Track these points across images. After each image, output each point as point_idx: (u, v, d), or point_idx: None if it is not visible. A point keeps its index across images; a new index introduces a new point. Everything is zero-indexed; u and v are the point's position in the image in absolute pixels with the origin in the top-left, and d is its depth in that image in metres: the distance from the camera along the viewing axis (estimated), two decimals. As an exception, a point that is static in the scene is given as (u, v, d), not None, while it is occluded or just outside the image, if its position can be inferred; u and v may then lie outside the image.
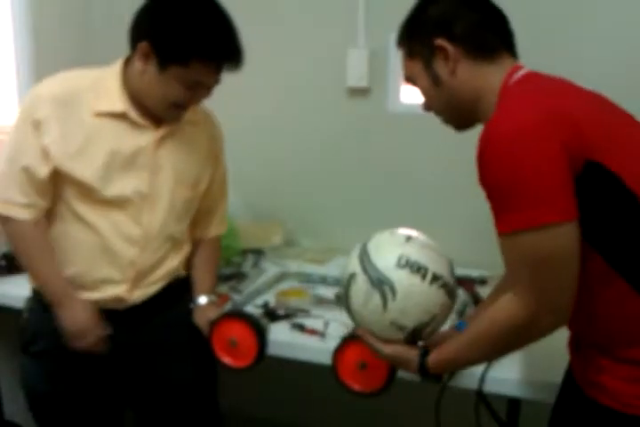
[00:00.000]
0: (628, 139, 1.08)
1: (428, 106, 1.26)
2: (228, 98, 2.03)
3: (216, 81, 1.43)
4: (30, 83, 2.14)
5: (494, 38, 1.18)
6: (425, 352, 1.21)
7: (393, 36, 2.12)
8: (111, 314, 1.51)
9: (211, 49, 1.35)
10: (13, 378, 2.13)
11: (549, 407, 1.28)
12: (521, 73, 1.14)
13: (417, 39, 1.20)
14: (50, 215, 1.48)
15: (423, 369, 1.21)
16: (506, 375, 1.42)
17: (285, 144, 2.33)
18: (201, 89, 1.41)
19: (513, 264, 1.06)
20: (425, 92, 1.23)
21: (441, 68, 1.17)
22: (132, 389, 1.63)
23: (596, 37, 1.89)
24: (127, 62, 1.44)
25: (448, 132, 2.08)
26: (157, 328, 1.57)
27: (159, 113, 1.44)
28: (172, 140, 1.49)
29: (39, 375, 1.54)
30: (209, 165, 1.60)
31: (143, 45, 1.35)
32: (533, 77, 1.14)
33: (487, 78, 1.15)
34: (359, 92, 2.19)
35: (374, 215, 2.28)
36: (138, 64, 1.38)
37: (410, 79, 1.25)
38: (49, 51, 2.23)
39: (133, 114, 1.43)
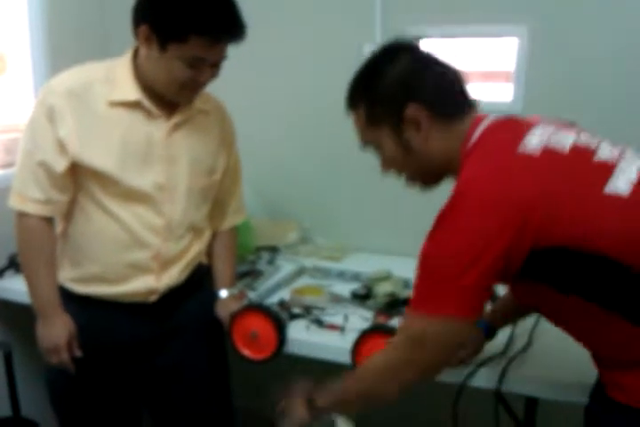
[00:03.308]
0: (591, 198, 1.00)
1: (389, 168, 1.22)
2: (244, 96, 2.04)
3: (220, 57, 1.41)
4: (46, 81, 2.15)
5: (458, 95, 1.14)
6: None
7: (409, 32, 2.11)
8: (138, 308, 1.53)
9: (207, 23, 1.33)
10: (30, 375, 2.14)
11: (566, 407, 1.27)
12: (480, 129, 1.09)
13: (380, 106, 1.13)
14: (73, 210, 1.49)
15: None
16: (524, 375, 1.40)
17: (301, 141, 2.32)
18: (205, 66, 1.39)
19: (400, 332, 1.14)
20: (390, 159, 1.18)
21: (412, 135, 1.12)
22: (146, 380, 1.65)
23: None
24: (136, 52, 1.45)
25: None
26: (177, 317, 1.59)
27: (171, 96, 1.44)
28: (185, 129, 1.50)
29: (60, 370, 1.54)
30: (222, 155, 1.60)
31: (143, 29, 1.35)
32: (490, 137, 1.08)
33: (456, 137, 1.11)
34: (375, 89, 2.17)
35: (389, 213, 2.26)
36: (142, 50, 1.39)
37: (369, 144, 1.20)
38: (64, 49, 2.23)
39: (147, 103, 1.43)
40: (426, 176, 1.20)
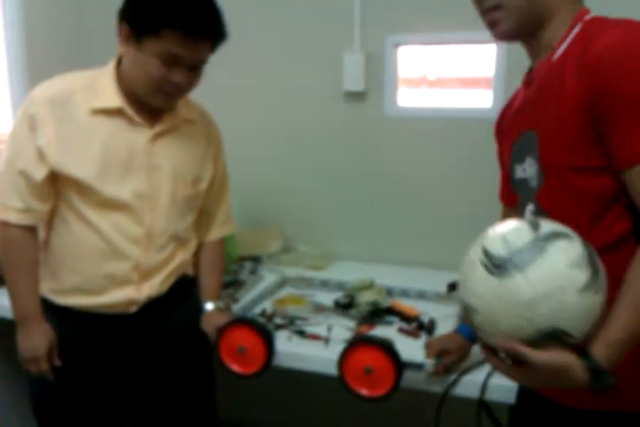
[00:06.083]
0: None
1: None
2: (225, 103, 2.02)
3: (197, 58, 1.39)
4: (23, 90, 2.13)
5: None
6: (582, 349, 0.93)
7: (389, 40, 2.12)
8: (120, 319, 1.51)
9: (180, 17, 1.32)
10: (9, 387, 2.11)
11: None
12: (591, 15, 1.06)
13: None
14: (54, 220, 1.48)
15: (596, 370, 0.90)
16: (507, 382, 1.39)
17: (282, 149, 2.32)
18: (180, 66, 1.36)
19: None
20: None
21: None
22: (130, 392, 1.63)
23: None
24: (120, 60, 1.44)
25: (445, 135, 2.09)
26: (162, 327, 1.57)
27: (148, 99, 1.42)
28: (168, 138, 1.49)
29: (42, 381, 1.52)
30: (208, 164, 1.59)
31: (123, 28, 1.35)
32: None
33: (563, 2, 1.07)
34: (356, 96, 2.17)
35: (372, 220, 2.26)
36: (122, 49, 1.38)
37: None
38: (42, 57, 2.22)
39: (129, 110, 1.42)
40: (521, 17, 1.10)
